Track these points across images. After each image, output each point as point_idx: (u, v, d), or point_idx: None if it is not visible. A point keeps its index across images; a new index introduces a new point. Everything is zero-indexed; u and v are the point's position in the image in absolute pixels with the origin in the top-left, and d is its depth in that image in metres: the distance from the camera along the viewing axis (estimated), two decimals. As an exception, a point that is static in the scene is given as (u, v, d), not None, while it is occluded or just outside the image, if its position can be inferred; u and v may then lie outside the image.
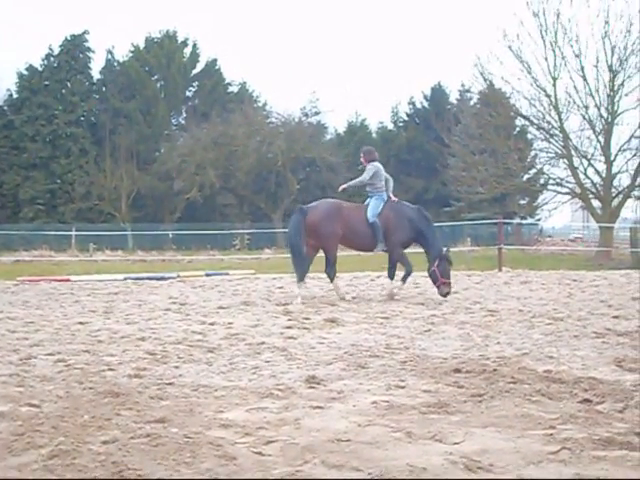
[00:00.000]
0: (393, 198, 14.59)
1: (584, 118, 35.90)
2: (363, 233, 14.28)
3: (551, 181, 39.45)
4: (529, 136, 41.63)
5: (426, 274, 14.44)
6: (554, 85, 35.91)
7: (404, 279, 14.47)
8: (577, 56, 35.02)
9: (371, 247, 14.50)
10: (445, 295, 13.76)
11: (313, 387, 6.40)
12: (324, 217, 14.37)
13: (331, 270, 14.44)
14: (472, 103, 49.51)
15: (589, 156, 36.33)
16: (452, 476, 4.08)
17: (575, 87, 35.55)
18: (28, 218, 51.63)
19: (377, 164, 14.72)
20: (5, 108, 56.30)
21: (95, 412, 5.45)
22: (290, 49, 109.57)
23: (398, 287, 14.43)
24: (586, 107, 35.53)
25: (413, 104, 61.00)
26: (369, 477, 4.03)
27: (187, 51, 61.41)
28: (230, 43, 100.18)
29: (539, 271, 22.61)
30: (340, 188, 15.58)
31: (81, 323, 11.03)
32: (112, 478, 4.02)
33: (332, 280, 14.56)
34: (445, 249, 14.30)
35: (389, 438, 4.81)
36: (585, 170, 36.61)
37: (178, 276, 21.33)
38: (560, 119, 36.22)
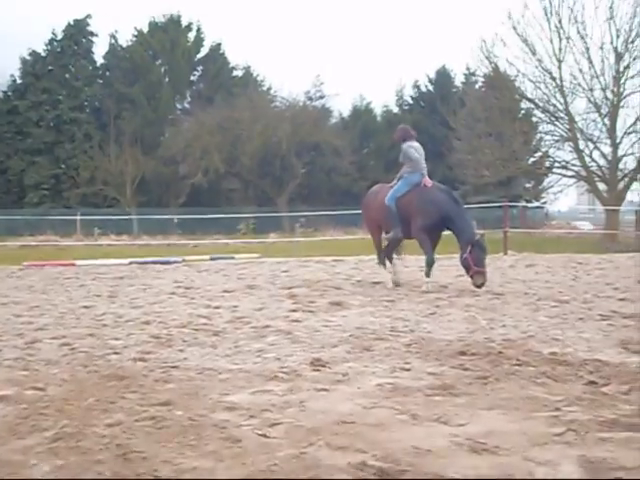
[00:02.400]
0: (426, 182, 13.36)
1: (589, 101, 35.84)
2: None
3: (556, 164, 39.41)
4: (534, 119, 41.53)
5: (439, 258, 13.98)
6: (559, 67, 35.82)
7: (427, 273, 13.16)
8: (582, 38, 34.89)
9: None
10: (479, 286, 12.53)
11: (318, 370, 6.39)
12: (363, 204, 14.53)
13: (379, 256, 14.24)
14: (477, 86, 49.40)
15: (595, 139, 36.28)
16: (457, 458, 4.07)
17: (580, 69, 35.49)
18: (33, 203, 51.70)
19: (408, 143, 13.67)
20: (9, 94, 56.30)
21: (100, 395, 5.45)
22: (294, 32, 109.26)
23: (424, 283, 13.14)
24: (591, 89, 35.47)
25: (418, 87, 60.85)
26: (374, 459, 4.02)
27: (191, 35, 61.27)
28: (234, 27, 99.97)
29: (545, 254, 22.57)
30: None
31: (86, 307, 11.05)
32: (116, 460, 4.01)
33: (381, 264, 14.21)
34: (479, 235, 13.13)
35: (394, 420, 4.80)
36: (591, 153, 36.57)
37: (183, 260, 21.34)
38: (565, 102, 36.14)
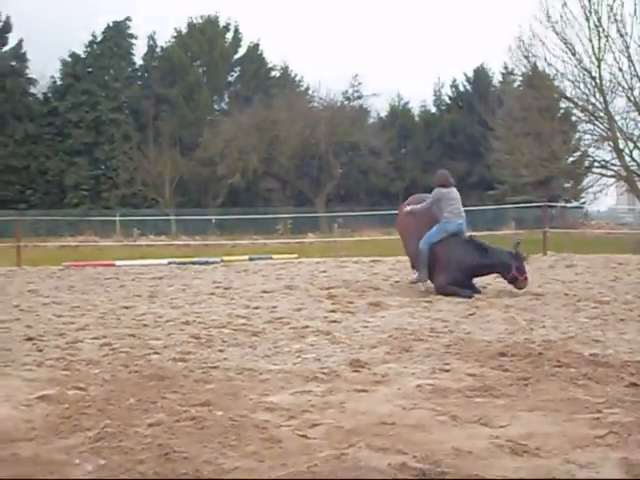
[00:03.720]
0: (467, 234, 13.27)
1: (629, 100, 35.40)
2: (410, 245, 13.65)
3: (596, 164, 39.00)
4: (573, 118, 41.13)
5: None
6: (599, 67, 35.44)
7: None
8: (622, 36, 34.51)
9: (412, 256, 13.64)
10: (521, 288, 12.46)
11: (357, 370, 6.40)
12: (397, 222, 14.67)
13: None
14: (515, 85, 49.07)
15: (635, 138, 35.83)
16: (498, 459, 4.06)
17: (620, 68, 35.05)
18: (73, 204, 52.16)
19: (441, 190, 13.18)
20: (49, 95, 56.87)
21: (141, 395, 5.49)
22: (332, 32, 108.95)
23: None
24: (631, 88, 35.01)
25: (456, 87, 60.62)
26: (414, 460, 4.02)
27: (229, 36, 61.52)
28: (272, 26, 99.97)
29: (584, 254, 22.40)
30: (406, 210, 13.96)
31: (126, 307, 11.13)
32: (158, 460, 4.04)
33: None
34: (515, 245, 12.89)
35: (434, 421, 4.79)
36: (631, 152, 36.13)
37: (222, 260, 21.43)
38: (605, 101, 35.74)
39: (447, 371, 6.32)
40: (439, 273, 12.71)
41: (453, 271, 12.54)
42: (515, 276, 12.48)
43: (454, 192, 13.24)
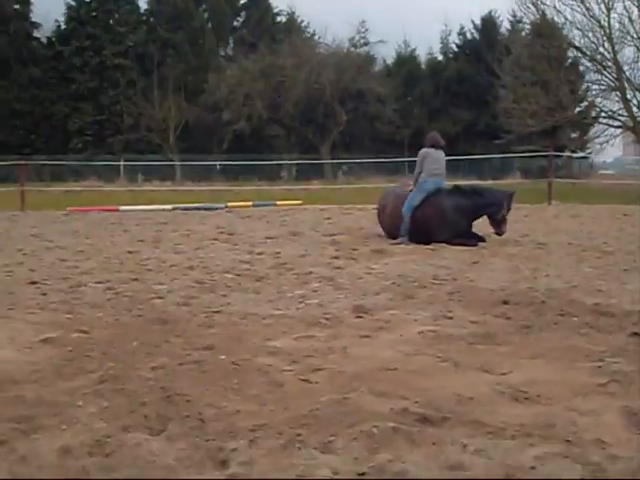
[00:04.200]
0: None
1: (638, 49, 35.16)
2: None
3: (603, 114, 38.87)
4: (581, 68, 40.94)
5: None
6: (608, 15, 35.15)
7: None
8: (633, -17, 34.17)
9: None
10: (503, 234, 12.62)
11: (360, 316, 6.42)
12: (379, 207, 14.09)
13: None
14: (524, 34, 48.59)
15: (643, 88, 35.66)
16: (499, 406, 4.07)
17: (630, 17, 34.79)
18: (77, 149, 51.90)
19: (428, 150, 13.15)
20: (53, 39, 56.36)
21: (144, 339, 5.52)
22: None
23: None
24: (640, 38, 34.78)
25: (463, 35, 59.91)
26: (416, 406, 4.03)
27: (234, -20, 60.84)
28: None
29: (589, 205, 22.36)
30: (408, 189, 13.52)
31: (130, 252, 11.16)
32: (161, 403, 4.06)
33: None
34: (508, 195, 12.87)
35: (436, 368, 4.81)
36: (638, 103, 35.95)
37: (226, 206, 21.42)
38: (614, 50, 35.50)
39: (450, 318, 6.34)
40: (437, 232, 12.51)
41: (452, 224, 12.49)
42: (505, 217, 12.56)
43: (440, 153, 13.20)
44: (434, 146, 13.19)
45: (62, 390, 4.35)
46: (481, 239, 12.51)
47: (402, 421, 3.78)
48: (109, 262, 10.08)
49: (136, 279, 8.52)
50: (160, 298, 7.32)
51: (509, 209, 12.68)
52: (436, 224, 12.55)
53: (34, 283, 8.23)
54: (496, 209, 12.59)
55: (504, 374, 4.66)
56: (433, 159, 13.03)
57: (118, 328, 5.94)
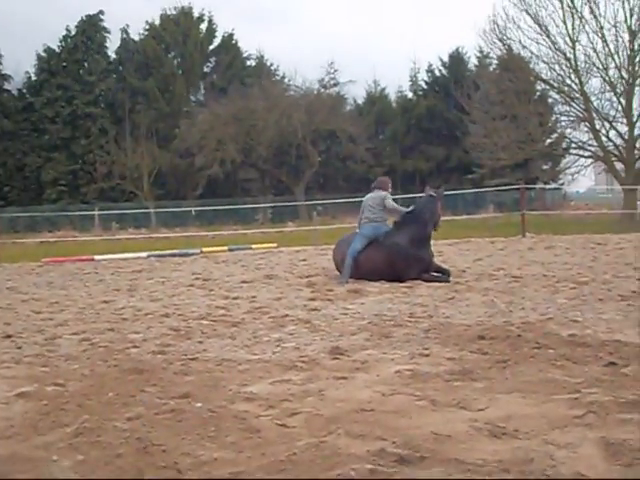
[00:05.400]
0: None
1: (604, 80, 35.55)
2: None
3: (573, 145, 39.21)
4: (550, 100, 41.32)
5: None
6: (573, 48, 35.55)
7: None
8: (596, 17, 34.63)
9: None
10: (438, 228, 13.33)
11: (337, 358, 6.41)
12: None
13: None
14: (491, 69, 49.07)
15: (611, 118, 36.01)
16: (477, 443, 4.07)
17: (594, 49, 35.20)
18: (51, 199, 51.79)
19: (369, 195, 13.54)
20: (24, 91, 56.43)
21: (120, 389, 5.47)
22: (306, 19, 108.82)
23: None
24: (606, 69, 35.17)
25: (432, 72, 60.36)
26: (393, 446, 4.02)
27: (203, 27, 61.09)
28: (246, 16, 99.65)
29: (563, 236, 22.49)
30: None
31: (105, 302, 11.10)
32: (137, 454, 4.03)
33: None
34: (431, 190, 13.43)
35: (413, 407, 4.80)
36: (607, 133, 36.31)
37: (201, 252, 21.40)
38: (580, 82, 35.89)
39: (426, 356, 6.34)
40: (405, 271, 12.52)
41: (415, 259, 12.61)
42: (440, 215, 13.07)
43: (370, 198, 13.44)
44: (382, 189, 13.46)
45: (37, 445, 4.30)
46: (446, 272, 12.62)
47: (380, 462, 3.77)
48: (84, 313, 10.02)
49: (111, 329, 8.47)
50: (136, 347, 7.28)
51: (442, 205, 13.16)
52: (402, 265, 12.57)
53: (9, 337, 8.15)
54: (433, 216, 12.94)
55: (481, 410, 4.66)
56: (365, 205, 13.41)
57: (94, 379, 5.89)
